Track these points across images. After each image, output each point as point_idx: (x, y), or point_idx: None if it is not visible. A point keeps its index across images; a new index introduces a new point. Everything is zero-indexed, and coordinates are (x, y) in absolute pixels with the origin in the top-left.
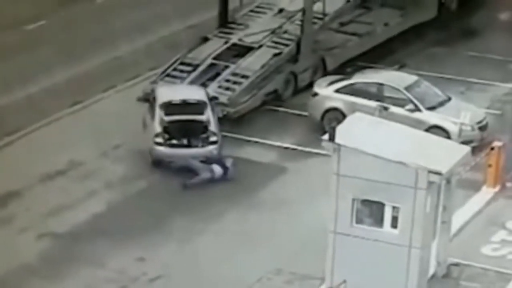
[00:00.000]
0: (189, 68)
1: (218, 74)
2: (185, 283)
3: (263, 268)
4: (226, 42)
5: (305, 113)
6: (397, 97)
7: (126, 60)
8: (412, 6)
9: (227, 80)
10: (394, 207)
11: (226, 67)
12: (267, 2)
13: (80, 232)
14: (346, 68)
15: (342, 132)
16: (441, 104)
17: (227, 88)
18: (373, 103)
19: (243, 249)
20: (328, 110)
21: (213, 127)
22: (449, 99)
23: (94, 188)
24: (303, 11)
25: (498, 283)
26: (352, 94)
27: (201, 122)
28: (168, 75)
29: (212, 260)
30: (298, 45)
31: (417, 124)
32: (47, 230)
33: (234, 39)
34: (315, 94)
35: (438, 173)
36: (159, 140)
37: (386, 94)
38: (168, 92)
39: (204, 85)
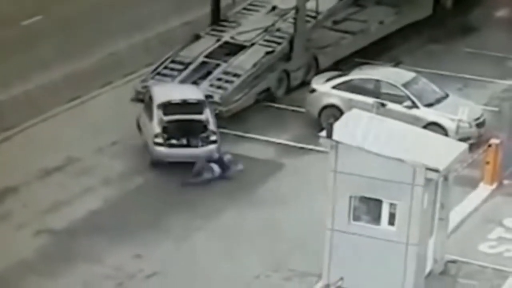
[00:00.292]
0: (180, 67)
1: (209, 73)
2: (182, 280)
3: (261, 265)
4: (218, 40)
5: (303, 110)
6: (395, 93)
7: (123, 56)
8: (407, 4)
9: (219, 79)
10: (391, 204)
11: (218, 65)
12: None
13: (77, 229)
14: (341, 66)
15: (340, 129)
16: (439, 101)
17: (219, 87)
18: (370, 100)
19: (240, 246)
20: (325, 107)
21: (212, 126)
22: (447, 96)
23: (91, 184)
24: (296, 9)
25: (495, 280)
26: (349, 91)
27: (200, 121)
28: (159, 74)
29: (210, 257)
30: (291, 43)
31: (414, 121)
32: (45, 227)
33: (226, 37)
34: (313, 91)
35: (435, 170)
36: (159, 140)
37: (384, 90)
38: (165, 92)
39: (195, 83)
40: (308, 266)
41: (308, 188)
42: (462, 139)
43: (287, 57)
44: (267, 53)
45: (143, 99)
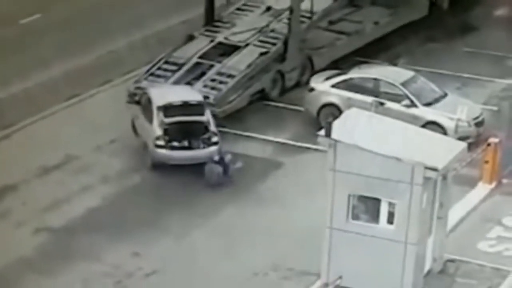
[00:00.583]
0: (174, 67)
1: (203, 74)
2: (180, 278)
3: (260, 264)
4: (212, 41)
5: (301, 108)
6: (394, 92)
7: (122, 54)
8: (403, 5)
9: (213, 80)
10: (390, 203)
11: (212, 66)
12: (254, 0)
13: (76, 227)
14: (340, 65)
15: (338, 128)
16: (438, 100)
17: (213, 88)
18: (369, 99)
19: (239, 244)
20: (324, 105)
21: (213, 127)
22: (446, 95)
23: (90, 182)
24: (291, 9)
25: (494, 279)
26: (348, 90)
27: (201, 122)
28: (152, 75)
29: (208, 256)
30: (285, 44)
31: (413, 119)
32: (44, 225)
33: (220, 37)
34: (311, 89)
35: (434, 169)
36: (160, 142)
37: (383, 89)
38: (164, 94)
39: (189, 84)
40: (306, 265)
41: (307, 187)
42: (461, 138)
43: (281, 58)
44: (262, 54)
45: (139, 101)
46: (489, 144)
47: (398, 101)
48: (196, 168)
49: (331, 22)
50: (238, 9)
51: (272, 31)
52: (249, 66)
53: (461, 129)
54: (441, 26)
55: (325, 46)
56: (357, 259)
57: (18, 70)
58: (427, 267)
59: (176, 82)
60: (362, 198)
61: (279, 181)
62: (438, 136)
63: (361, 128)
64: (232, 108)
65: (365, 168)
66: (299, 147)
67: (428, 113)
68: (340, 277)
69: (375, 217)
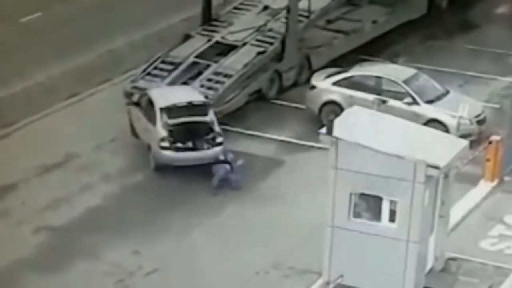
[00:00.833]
0: (170, 67)
1: (200, 73)
2: (181, 277)
3: (261, 262)
4: (209, 40)
5: (303, 106)
6: (395, 90)
7: (122, 53)
8: (401, 4)
9: (210, 79)
10: (392, 201)
11: (209, 65)
12: None
13: (77, 225)
14: (341, 63)
15: (340, 126)
16: (439, 97)
17: (209, 88)
18: (371, 96)
19: (240, 243)
20: (326, 103)
21: (217, 127)
22: (448, 92)
23: (90, 181)
24: (288, 8)
25: (496, 278)
26: (350, 87)
27: (206, 123)
28: (149, 74)
29: (209, 254)
30: (283, 43)
31: (415, 117)
32: (44, 223)
33: (217, 37)
34: (313, 87)
35: (436, 167)
36: (165, 144)
37: (384, 87)
38: (166, 95)
39: (185, 84)
40: (308, 263)
41: (309, 185)
42: (463, 136)
43: (279, 57)
44: (259, 53)
45: (139, 102)
46: (491, 142)
47: (400, 99)
48: (197, 167)
49: (329, 21)
50: (235, 8)
51: (270, 30)
52: (246, 65)
53: (463, 127)
54: (441, 24)
55: (323, 45)
56: (359, 258)
57: (18, 69)
58: (428, 266)
59: (173, 82)
60: (364, 196)
61: (280, 179)
62: (440, 134)
63: (363, 126)
64: (229, 108)
65: (367, 166)
66: (301, 145)
67: (430, 111)
68: (342, 276)
69: (376, 215)
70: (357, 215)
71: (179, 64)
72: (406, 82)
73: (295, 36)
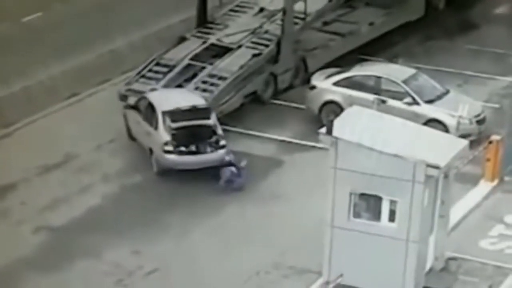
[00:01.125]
0: (165, 69)
1: (195, 75)
2: (181, 277)
3: (261, 262)
4: (204, 42)
5: (303, 106)
6: (395, 90)
7: (122, 53)
8: (398, 5)
9: (204, 82)
10: (391, 201)
11: (203, 68)
12: (247, 1)
13: (77, 225)
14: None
15: (340, 126)
16: (439, 97)
17: (204, 90)
18: (371, 96)
19: (240, 243)
20: (325, 103)
21: (220, 130)
22: (447, 92)
23: (90, 181)
24: (284, 10)
25: (496, 277)
26: (350, 87)
27: (208, 126)
28: (143, 76)
29: (210, 254)
30: (278, 45)
31: (415, 117)
32: (44, 223)
33: (212, 39)
34: (313, 87)
35: (436, 167)
36: (169, 148)
37: (384, 87)
38: (167, 98)
39: (180, 86)
40: (308, 263)
41: (308, 185)
42: (463, 136)
43: (274, 59)
44: (254, 55)
45: (137, 106)
46: (490, 142)
47: (400, 99)
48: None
49: (325, 23)
50: (231, 10)
51: (265, 32)
52: (241, 67)
53: (463, 127)
54: (441, 24)
55: (319, 48)
56: (359, 257)
57: (18, 69)
58: (428, 265)
59: (167, 84)
60: (364, 196)
61: (280, 179)
62: (439, 133)
63: (363, 125)
64: (224, 110)
65: (367, 166)
66: (301, 145)
67: (429, 111)
68: (341, 275)
69: (376, 215)
70: (357, 215)
71: (174, 66)
72: (405, 82)
73: (291, 38)
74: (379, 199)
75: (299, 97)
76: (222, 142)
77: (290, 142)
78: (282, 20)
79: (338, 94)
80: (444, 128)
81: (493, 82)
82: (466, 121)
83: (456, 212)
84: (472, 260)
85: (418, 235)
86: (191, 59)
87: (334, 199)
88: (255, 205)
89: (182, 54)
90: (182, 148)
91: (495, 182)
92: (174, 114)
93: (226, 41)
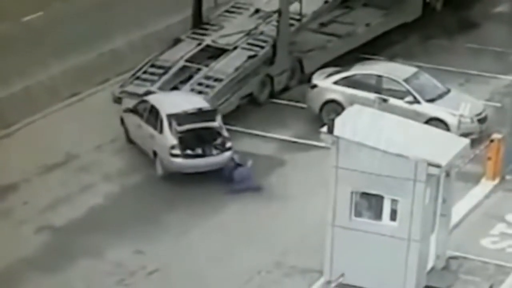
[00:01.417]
0: (160, 71)
1: (190, 77)
2: (183, 276)
3: (263, 261)
4: (199, 44)
5: (304, 105)
6: (396, 89)
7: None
8: (395, 6)
9: (200, 83)
10: (393, 200)
11: (199, 69)
12: (243, 2)
13: (78, 225)
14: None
15: (341, 125)
16: (441, 96)
17: (200, 92)
18: (372, 95)
19: (241, 242)
20: (326, 102)
21: (225, 132)
22: (449, 91)
23: (91, 181)
24: (279, 12)
25: (498, 276)
26: (351, 86)
27: (214, 129)
28: (138, 78)
29: (211, 253)
30: (274, 47)
31: (416, 116)
32: (45, 223)
33: (207, 40)
34: (314, 86)
35: (437, 166)
36: (176, 152)
37: (385, 86)
38: (171, 101)
39: (175, 88)
40: (309, 262)
41: (310, 184)
42: (464, 135)
43: (270, 61)
44: (250, 57)
45: (136, 109)
46: (492, 141)
47: (401, 98)
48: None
49: (322, 24)
50: (226, 11)
51: (261, 33)
52: (237, 69)
53: (464, 126)
54: (440, 24)
55: (315, 49)
56: (360, 256)
57: (18, 69)
58: (430, 264)
59: (163, 86)
60: (365, 195)
61: (281, 178)
62: (441, 132)
63: (364, 124)
64: (220, 112)
65: (368, 165)
66: (302, 144)
67: (431, 109)
68: (343, 275)
69: (378, 214)
70: (358, 214)
71: (169, 68)
72: (407, 80)
73: (287, 39)
74: (380, 198)
75: (300, 96)
76: (228, 144)
77: (291, 141)
78: (278, 21)
79: (339, 93)
80: (446, 127)
81: (494, 81)
82: (467, 120)
83: (458, 211)
84: (473, 259)
85: (419, 234)
86: (187, 60)
87: (335, 198)
88: (256, 204)
89: (178, 55)
90: (189, 151)
91: (497, 180)
92: (180, 117)
93: (222, 42)
